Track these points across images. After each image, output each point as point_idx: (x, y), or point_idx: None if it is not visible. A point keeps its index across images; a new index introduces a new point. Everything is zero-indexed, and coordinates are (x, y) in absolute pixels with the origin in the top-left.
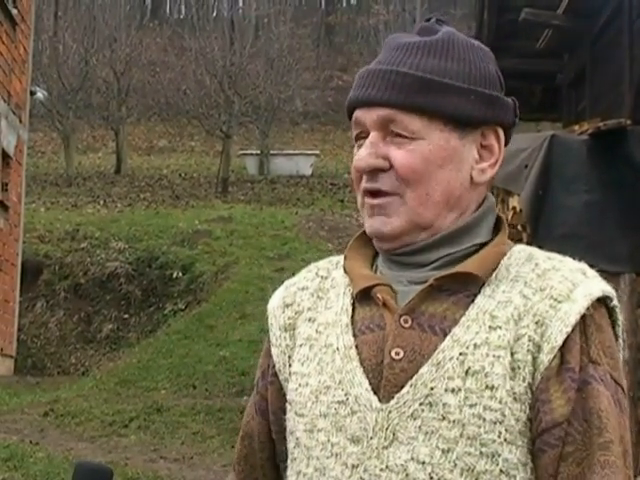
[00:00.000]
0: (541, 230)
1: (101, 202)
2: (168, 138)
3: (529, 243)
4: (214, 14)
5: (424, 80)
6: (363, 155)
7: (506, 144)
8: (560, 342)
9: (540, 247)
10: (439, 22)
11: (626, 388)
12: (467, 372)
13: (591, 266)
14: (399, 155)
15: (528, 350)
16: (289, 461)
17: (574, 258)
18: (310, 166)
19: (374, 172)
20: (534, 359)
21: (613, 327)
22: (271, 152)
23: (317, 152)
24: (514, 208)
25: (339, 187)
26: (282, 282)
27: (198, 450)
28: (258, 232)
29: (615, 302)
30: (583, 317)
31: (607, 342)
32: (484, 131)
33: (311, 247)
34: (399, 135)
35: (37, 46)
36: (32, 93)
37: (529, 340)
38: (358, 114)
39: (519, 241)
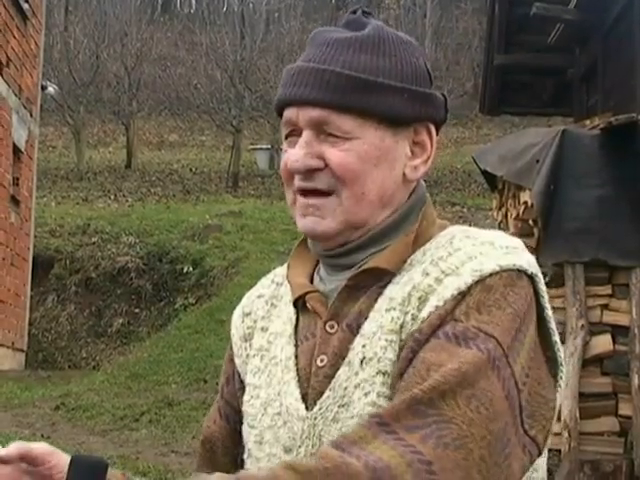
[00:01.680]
0: (552, 225)
1: (112, 196)
2: (179, 132)
3: (540, 238)
4: (224, 9)
5: (358, 80)
6: (299, 156)
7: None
8: (425, 316)
9: (552, 242)
10: (365, 14)
11: (508, 343)
12: (362, 361)
13: (603, 261)
14: (335, 154)
15: (409, 330)
16: (249, 463)
17: (586, 252)
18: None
19: (309, 172)
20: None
21: (536, 297)
22: (281, 146)
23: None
24: (525, 203)
25: None
26: None
27: None
28: (269, 227)
29: (532, 271)
30: (469, 288)
31: (489, 301)
32: (416, 128)
33: None
34: (333, 135)
35: (48, 41)
36: (43, 88)
37: (412, 319)
38: (290, 113)
39: (531, 235)
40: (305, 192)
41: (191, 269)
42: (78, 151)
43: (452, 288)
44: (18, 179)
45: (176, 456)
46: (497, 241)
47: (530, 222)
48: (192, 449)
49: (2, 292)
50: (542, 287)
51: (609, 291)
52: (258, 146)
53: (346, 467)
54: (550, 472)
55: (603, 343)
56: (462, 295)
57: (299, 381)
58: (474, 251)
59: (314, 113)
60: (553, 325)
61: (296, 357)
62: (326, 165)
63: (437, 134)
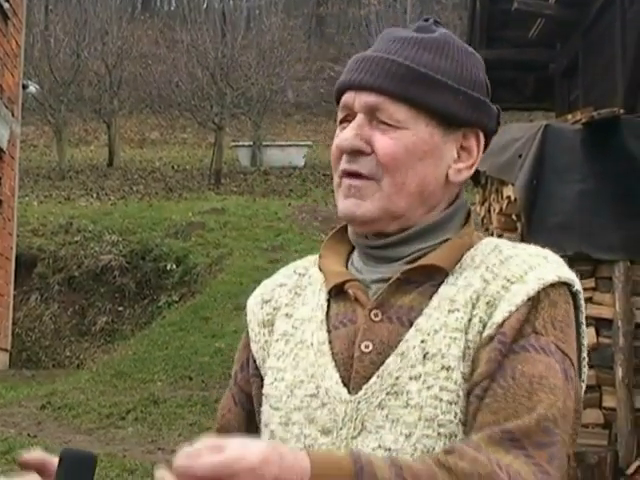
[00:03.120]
0: (535, 219)
1: (94, 195)
2: (160, 130)
3: (523, 232)
4: (205, 6)
5: (417, 72)
6: (348, 135)
7: (484, 150)
8: (500, 320)
9: (535, 236)
10: (437, 23)
11: (575, 362)
12: (425, 356)
13: (586, 254)
14: (382, 141)
15: (478, 331)
16: None
17: (569, 246)
18: (303, 157)
19: (355, 154)
20: (480, 337)
21: (576, 313)
22: (263, 143)
23: (309, 143)
24: (508, 197)
25: (332, 178)
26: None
27: (195, 441)
28: (251, 223)
29: (577, 288)
30: (538, 295)
31: (559, 317)
32: (465, 132)
33: (304, 238)
34: (384, 122)
35: (29, 40)
36: (24, 87)
37: (479, 321)
38: (347, 97)
39: (514, 230)
40: (349, 174)
41: (174, 267)
42: (60, 150)
43: (521, 295)
44: (0, 179)
45: (163, 453)
46: (548, 255)
47: (513, 217)
48: (178, 446)
49: None
50: (582, 304)
51: (592, 284)
52: (240, 143)
53: (496, 477)
54: None
55: (587, 336)
56: (531, 301)
57: (336, 365)
58: (532, 261)
59: (370, 98)
60: (585, 342)
61: (330, 342)
62: (372, 151)
63: (487, 144)
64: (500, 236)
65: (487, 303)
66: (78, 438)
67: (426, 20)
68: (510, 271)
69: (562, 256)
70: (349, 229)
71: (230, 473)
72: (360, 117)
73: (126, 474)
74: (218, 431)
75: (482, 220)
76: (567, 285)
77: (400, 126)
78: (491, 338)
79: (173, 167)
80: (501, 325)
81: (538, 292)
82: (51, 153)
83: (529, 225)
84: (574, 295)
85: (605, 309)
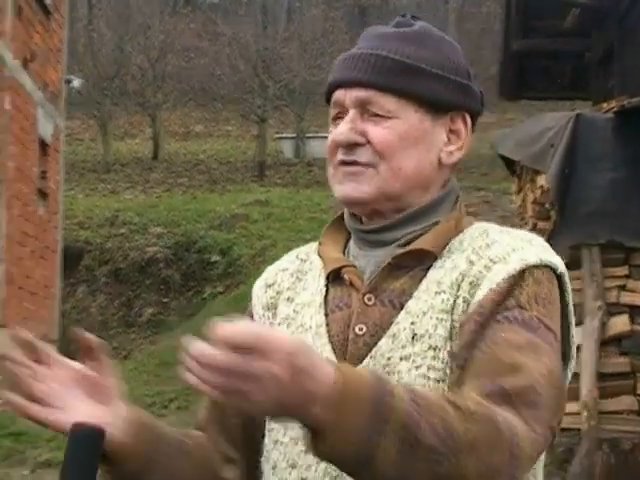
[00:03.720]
0: (568, 208)
1: (139, 188)
2: (204, 123)
3: (556, 221)
4: None
5: (402, 64)
6: (343, 130)
7: (472, 131)
8: (481, 296)
9: (567, 225)
10: (414, 18)
11: (559, 337)
12: (414, 337)
13: (619, 242)
14: (376, 131)
15: (463, 311)
16: (267, 430)
17: (601, 235)
18: None
19: (351, 146)
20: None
21: (562, 294)
22: (307, 135)
23: None
24: (542, 187)
25: None
26: None
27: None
28: (295, 215)
29: (561, 270)
30: (522, 274)
31: (542, 294)
32: (453, 116)
33: None
34: (376, 114)
35: (72, 35)
36: (68, 82)
37: (464, 301)
38: (338, 94)
39: (547, 219)
40: (346, 163)
41: (219, 258)
42: (105, 143)
43: (502, 273)
44: (45, 173)
45: None
46: (533, 239)
47: (547, 206)
48: None
49: (32, 284)
50: (569, 285)
51: (626, 272)
52: (283, 135)
53: (495, 420)
54: (570, 451)
55: (621, 323)
56: (513, 279)
57: (333, 347)
58: (516, 244)
59: (360, 93)
60: (573, 321)
61: (327, 325)
62: (368, 142)
63: (473, 125)
64: (535, 225)
65: (470, 283)
66: None
67: (403, 16)
68: (494, 252)
69: (595, 244)
70: (345, 217)
71: (266, 349)
72: (352, 112)
73: None
74: (214, 403)
75: (518, 209)
76: (550, 268)
77: (391, 116)
78: (473, 312)
79: (217, 159)
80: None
81: (522, 272)
82: (96, 147)
83: (561, 214)
84: (559, 277)
85: (639, 296)
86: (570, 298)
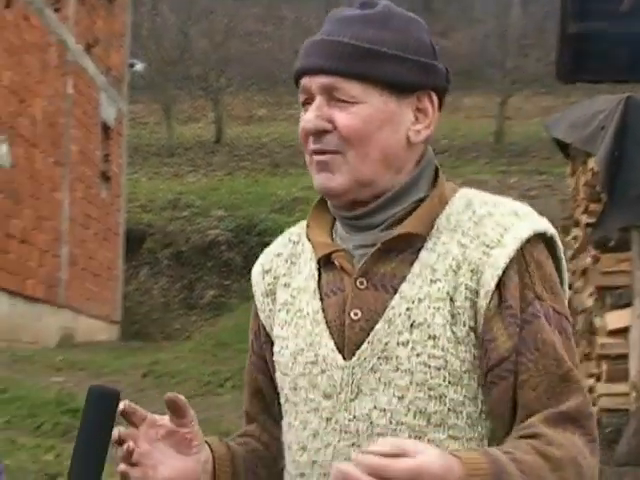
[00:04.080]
0: (617, 190)
1: (202, 171)
2: (267, 107)
3: (606, 203)
4: None
5: (363, 49)
6: (310, 117)
7: (440, 108)
8: (493, 286)
9: (617, 207)
10: None
11: (568, 314)
12: (412, 325)
13: None
14: (342, 117)
15: (466, 297)
16: (283, 413)
17: None
18: None
19: (320, 133)
20: (473, 304)
21: (554, 259)
22: None
23: None
24: (592, 169)
25: (436, 152)
26: None
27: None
28: None
29: (551, 232)
30: (521, 257)
31: (547, 277)
32: (419, 96)
33: None
34: (341, 100)
35: (136, 19)
36: (131, 66)
37: (466, 288)
38: (304, 81)
39: (598, 201)
40: (316, 152)
41: None
42: (168, 127)
43: (503, 258)
44: (108, 156)
45: None
46: (518, 210)
47: (597, 188)
48: None
49: (95, 266)
50: (560, 244)
51: None
52: None
53: (579, 459)
54: (618, 431)
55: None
56: (517, 265)
57: (331, 333)
58: (505, 222)
59: (324, 80)
60: (566, 276)
61: (323, 310)
62: (335, 128)
63: (441, 103)
64: (586, 207)
65: (471, 271)
66: None
67: None
68: (487, 236)
69: None
70: (329, 203)
71: (415, 474)
72: (319, 99)
73: (211, 435)
74: (253, 395)
75: (572, 192)
76: (541, 235)
77: (355, 101)
78: (497, 308)
79: (279, 143)
80: (499, 291)
81: (523, 255)
82: (160, 130)
83: (611, 196)
84: (549, 242)
85: None
86: (562, 254)
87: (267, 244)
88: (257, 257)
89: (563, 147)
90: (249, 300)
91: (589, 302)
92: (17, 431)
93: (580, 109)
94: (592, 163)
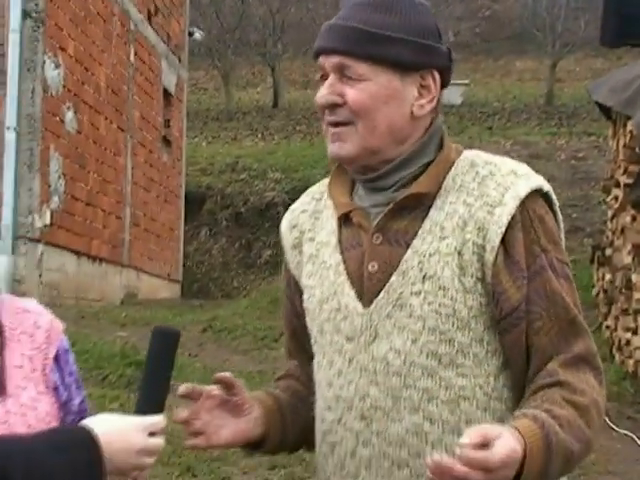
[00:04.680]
0: None
1: (259, 135)
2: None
3: None
4: None
5: (370, 33)
6: (324, 93)
7: (444, 85)
8: (498, 242)
9: None
10: None
11: (568, 260)
12: (424, 277)
13: None
14: (351, 92)
15: (473, 252)
16: (314, 353)
17: None
18: (460, 95)
19: (332, 107)
20: (480, 258)
21: (552, 212)
22: None
23: (467, 82)
24: (631, 132)
25: (488, 115)
26: None
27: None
28: None
29: (547, 189)
30: (522, 214)
31: (549, 230)
32: (422, 74)
33: None
34: (351, 78)
35: None
36: (190, 34)
37: (473, 244)
38: (321, 60)
39: (637, 162)
40: (331, 124)
41: None
42: (227, 93)
43: (505, 215)
44: (169, 121)
45: None
46: (517, 170)
47: (637, 150)
48: None
49: (157, 227)
50: (554, 198)
51: None
52: None
53: (598, 400)
54: (634, 375)
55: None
56: (521, 221)
57: (351, 283)
58: (505, 181)
59: (336, 59)
60: (562, 225)
61: (344, 263)
62: (345, 102)
63: (443, 80)
64: (626, 168)
65: (478, 228)
66: (234, 358)
67: None
68: (490, 196)
69: None
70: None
71: (506, 464)
72: (331, 76)
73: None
74: (291, 336)
75: (614, 153)
76: (539, 193)
77: (363, 79)
78: (505, 263)
79: None
80: (505, 247)
81: (523, 211)
82: (219, 96)
83: None
84: (546, 195)
85: None
86: (557, 207)
87: None
88: None
89: (605, 110)
90: None
91: (627, 259)
92: (84, 382)
93: (621, 73)
94: (631, 126)
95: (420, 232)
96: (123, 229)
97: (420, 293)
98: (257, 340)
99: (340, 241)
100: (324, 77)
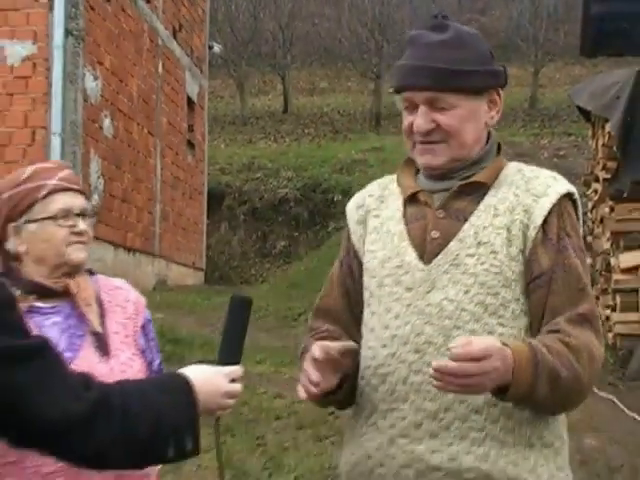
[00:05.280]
0: (630, 150)
1: (272, 138)
2: (328, 80)
3: (620, 161)
4: None
5: (453, 71)
6: (420, 122)
7: (500, 98)
8: (540, 222)
9: (630, 164)
10: (444, 17)
11: (585, 250)
12: (479, 243)
13: None
14: (443, 119)
15: (519, 229)
16: (365, 306)
17: None
18: None
19: (429, 132)
20: (524, 234)
21: (576, 214)
22: None
23: None
24: (609, 133)
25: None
26: None
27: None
28: None
29: (576, 196)
30: (558, 206)
31: (573, 224)
32: (490, 92)
33: None
34: (441, 107)
35: (213, 6)
36: (210, 47)
37: (520, 222)
38: (408, 94)
39: (615, 159)
40: (424, 142)
41: (340, 197)
42: (242, 100)
43: (548, 203)
44: (192, 126)
45: None
46: (556, 176)
47: (614, 148)
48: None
49: (183, 221)
50: (580, 205)
51: None
52: None
53: (591, 347)
54: (630, 352)
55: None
56: (556, 211)
57: (414, 246)
58: (548, 182)
59: (427, 94)
60: (581, 223)
61: (408, 232)
62: (438, 125)
63: (502, 92)
64: (605, 164)
65: (524, 211)
66: (260, 335)
67: (435, 17)
68: (536, 189)
69: None
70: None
71: (488, 354)
72: (423, 107)
73: (296, 359)
74: (341, 296)
75: (593, 151)
76: (569, 195)
77: (451, 107)
78: (543, 239)
79: (339, 112)
80: (543, 228)
81: (559, 204)
82: (235, 103)
83: (624, 155)
84: (574, 202)
85: None
86: (580, 211)
87: (330, 200)
88: (322, 212)
89: (585, 113)
90: (315, 249)
91: (606, 245)
92: None
93: (599, 80)
94: (609, 127)
95: (476, 211)
96: (154, 223)
97: (474, 255)
98: (279, 319)
99: (404, 215)
100: (409, 107)
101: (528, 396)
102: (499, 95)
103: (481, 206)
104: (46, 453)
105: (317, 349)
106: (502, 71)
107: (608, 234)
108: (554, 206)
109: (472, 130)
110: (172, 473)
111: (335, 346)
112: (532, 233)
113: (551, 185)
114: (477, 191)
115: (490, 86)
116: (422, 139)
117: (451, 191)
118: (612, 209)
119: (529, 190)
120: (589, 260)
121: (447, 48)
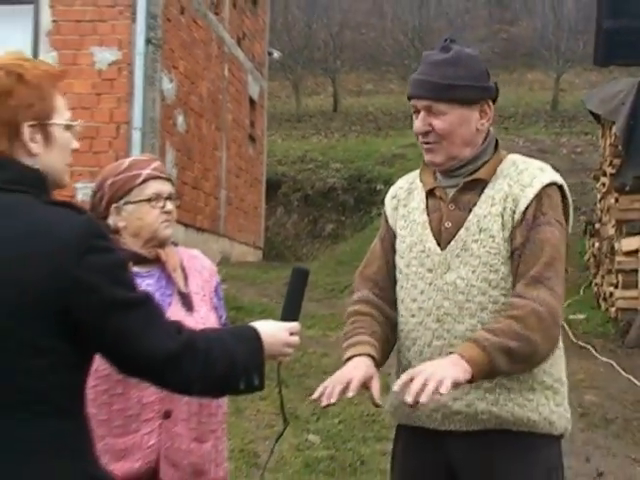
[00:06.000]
0: (632, 149)
1: (322, 134)
2: (373, 83)
3: (624, 158)
4: None
5: (447, 85)
6: (418, 125)
7: (492, 108)
8: (523, 209)
9: (633, 160)
10: (452, 41)
11: (565, 225)
12: (480, 230)
13: None
14: (437, 123)
15: (510, 215)
16: (397, 280)
17: None
18: None
19: (426, 133)
20: (512, 219)
21: (564, 202)
22: None
23: None
24: (615, 134)
25: (505, 118)
26: None
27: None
28: None
29: (561, 183)
30: (540, 193)
31: (553, 203)
32: (482, 103)
33: None
34: (436, 113)
35: (272, 17)
36: (269, 54)
37: (510, 210)
38: (413, 102)
39: (620, 156)
40: (425, 143)
41: (382, 187)
42: (297, 100)
43: (532, 192)
44: (254, 122)
45: None
46: (545, 168)
47: (619, 147)
48: None
49: (245, 206)
50: (566, 189)
51: None
52: None
53: (536, 310)
54: (629, 324)
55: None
56: (538, 197)
57: (433, 234)
58: (535, 173)
59: (425, 103)
60: (572, 213)
61: (429, 222)
62: (432, 129)
63: (494, 104)
64: (611, 161)
65: (513, 200)
66: (311, 304)
67: (446, 40)
68: (524, 181)
69: None
70: None
71: (418, 369)
72: (422, 113)
73: (340, 325)
74: (383, 264)
75: (602, 150)
76: (555, 184)
77: (444, 113)
78: (521, 221)
79: (382, 111)
80: (524, 212)
81: (542, 190)
82: (290, 102)
83: (627, 153)
84: (561, 187)
85: None
86: (569, 197)
87: (373, 189)
88: (366, 200)
89: (596, 116)
90: (359, 231)
91: (611, 231)
92: None
93: (608, 87)
94: (614, 129)
95: (478, 202)
96: (220, 207)
97: (478, 240)
98: (327, 291)
99: (427, 207)
100: (416, 111)
101: (494, 371)
102: (489, 106)
103: (482, 197)
104: (146, 381)
105: (355, 385)
106: (493, 87)
107: (613, 222)
108: (536, 195)
109: (462, 134)
110: (235, 416)
111: (364, 378)
112: (517, 217)
113: (537, 176)
114: (479, 185)
115: (481, 98)
116: (422, 140)
117: (458, 187)
118: (617, 200)
119: (519, 181)
120: (597, 244)
121: (446, 66)
